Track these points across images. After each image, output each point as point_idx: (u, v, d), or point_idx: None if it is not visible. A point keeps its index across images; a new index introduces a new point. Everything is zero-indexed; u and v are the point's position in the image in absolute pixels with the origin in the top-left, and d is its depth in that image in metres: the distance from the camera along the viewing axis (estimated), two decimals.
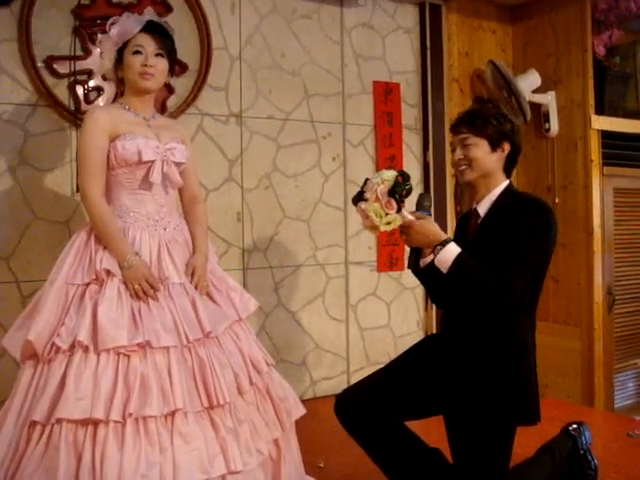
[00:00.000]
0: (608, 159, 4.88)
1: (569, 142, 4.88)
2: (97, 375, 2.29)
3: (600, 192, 4.81)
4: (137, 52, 2.62)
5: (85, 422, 2.24)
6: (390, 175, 2.42)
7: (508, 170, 2.64)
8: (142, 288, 2.47)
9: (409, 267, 2.67)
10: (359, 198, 2.47)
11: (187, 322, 2.49)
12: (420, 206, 2.58)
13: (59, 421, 2.23)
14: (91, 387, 2.27)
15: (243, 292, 2.87)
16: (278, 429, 2.66)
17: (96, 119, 2.60)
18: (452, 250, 2.43)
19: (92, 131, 2.58)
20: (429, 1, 4.86)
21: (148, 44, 2.63)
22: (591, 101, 4.78)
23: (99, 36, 2.74)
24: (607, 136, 4.86)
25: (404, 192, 2.41)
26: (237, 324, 2.74)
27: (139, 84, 2.65)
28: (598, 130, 4.80)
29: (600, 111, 4.85)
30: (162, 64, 2.67)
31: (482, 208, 2.61)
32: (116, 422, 2.24)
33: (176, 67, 2.88)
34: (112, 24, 2.64)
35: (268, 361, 2.76)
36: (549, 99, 4.91)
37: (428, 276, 2.67)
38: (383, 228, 2.42)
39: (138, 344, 2.35)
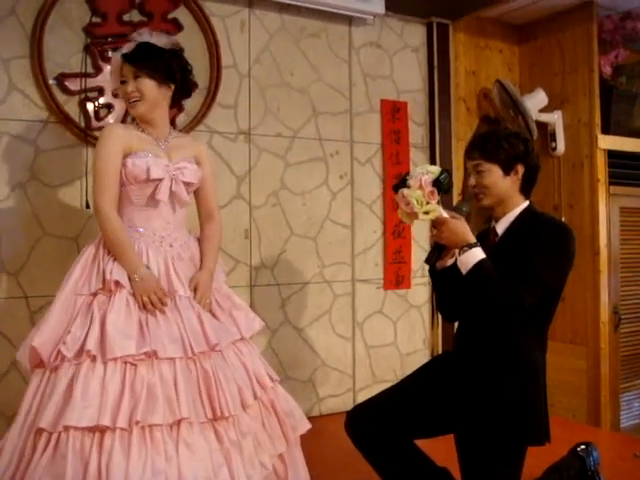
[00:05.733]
0: (614, 178, 4.89)
1: (575, 161, 4.89)
2: (104, 383, 2.32)
3: (606, 211, 4.81)
4: (123, 82, 2.70)
5: (92, 430, 2.26)
6: (435, 168, 2.50)
7: (526, 191, 2.64)
8: (151, 300, 2.51)
9: (426, 262, 2.69)
10: (401, 185, 2.52)
11: (193, 334, 2.51)
12: (458, 209, 2.61)
13: (66, 429, 2.25)
14: (98, 395, 2.30)
15: (249, 311, 2.89)
16: (283, 444, 2.68)
17: (113, 135, 2.65)
18: (477, 254, 2.45)
19: (108, 147, 2.62)
20: (436, 20, 4.90)
21: (127, 72, 2.69)
22: (597, 120, 4.79)
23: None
24: (613, 155, 4.87)
25: (446, 186, 2.47)
26: (241, 342, 2.75)
27: (131, 112, 2.76)
28: (604, 149, 4.80)
29: (606, 130, 4.86)
30: (144, 85, 2.68)
31: (500, 227, 2.63)
32: (122, 430, 2.26)
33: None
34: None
35: (272, 377, 2.78)
36: (555, 118, 4.92)
37: (442, 279, 2.71)
38: (421, 217, 2.48)
39: (145, 353, 2.39)
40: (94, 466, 2.21)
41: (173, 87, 2.79)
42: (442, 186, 2.46)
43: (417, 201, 2.45)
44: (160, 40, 2.76)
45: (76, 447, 2.24)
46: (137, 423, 2.27)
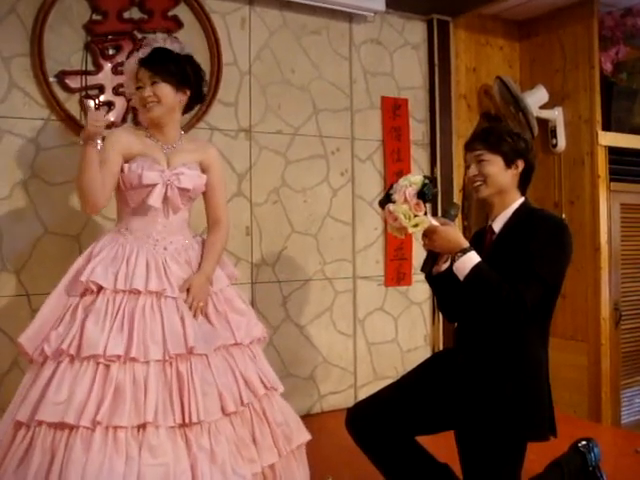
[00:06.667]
0: (615, 175, 4.89)
1: (576, 158, 4.89)
2: (75, 382, 2.36)
3: (607, 208, 4.82)
4: (139, 88, 2.73)
5: (61, 426, 2.30)
6: (418, 179, 2.48)
7: (522, 188, 2.65)
8: (95, 128, 2.53)
9: (422, 270, 2.71)
10: (386, 200, 2.51)
11: (171, 336, 2.50)
12: (446, 214, 2.61)
13: (40, 423, 2.31)
14: (69, 393, 2.34)
15: (251, 317, 2.87)
16: (274, 455, 2.64)
17: (112, 137, 2.73)
18: (472, 258, 2.45)
19: (107, 147, 2.69)
20: (437, 17, 4.89)
21: (144, 76, 2.72)
22: (598, 117, 4.80)
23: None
24: (614, 152, 4.87)
25: (431, 195, 2.46)
26: (235, 347, 2.73)
27: (145, 116, 2.77)
28: (605, 146, 4.81)
29: (607, 127, 4.87)
30: (161, 90, 2.72)
31: (497, 225, 2.63)
32: (86, 428, 2.28)
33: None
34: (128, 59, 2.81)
35: (268, 384, 2.74)
36: (556, 115, 4.93)
37: (439, 283, 2.72)
38: (411, 230, 2.47)
39: (116, 355, 2.40)
40: (58, 462, 2.25)
41: (189, 93, 2.83)
42: (426, 196, 2.45)
43: (404, 215, 2.44)
44: (175, 46, 2.80)
45: (46, 441, 2.30)
46: (99, 423, 2.29)
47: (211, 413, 2.47)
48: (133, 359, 2.42)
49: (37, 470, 2.25)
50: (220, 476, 2.41)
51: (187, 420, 2.40)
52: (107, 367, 2.39)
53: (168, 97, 2.74)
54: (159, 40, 2.79)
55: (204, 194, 2.89)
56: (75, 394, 2.33)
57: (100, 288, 2.53)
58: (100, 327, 2.44)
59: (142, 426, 2.34)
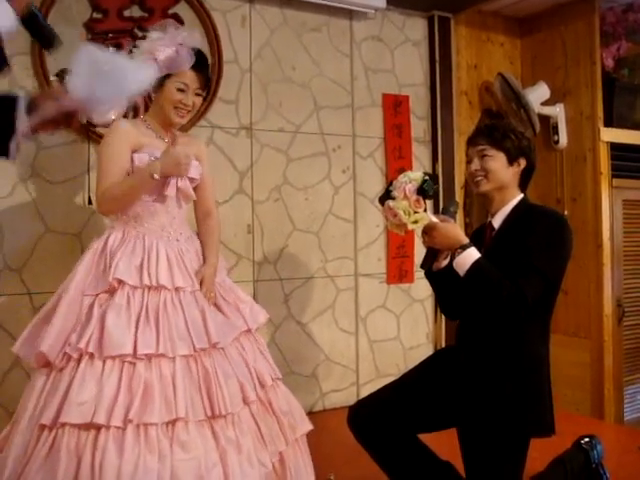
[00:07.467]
0: (617, 171, 4.87)
1: (578, 154, 4.88)
2: (101, 381, 2.34)
3: (609, 204, 4.80)
4: (180, 90, 2.67)
5: (87, 427, 2.28)
6: (418, 175, 2.48)
7: (522, 186, 2.66)
8: (184, 166, 2.59)
9: (422, 267, 2.71)
10: (386, 197, 2.51)
11: (195, 331, 2.51)
12: (446, 210, 2.61)
13: (63, 425, 2.29)
14: (94, 393, 2.32)
15: (253, 304, 2.90)
16: (282, 442, 2.67)
17: (120, 129, 2.68)
18: (472, 254, 2.45)
19: (115, 140, 2.66)
20: (438, 14, 4.88)
21: (192, 82, 2.68)
22: (600, 113, 4.78)
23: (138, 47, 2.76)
24: (616, 148, 4.86)
25: (431, 192, 2.46)
26: (244, 336, 2.76)
27: (171, 118, 2.73)
28: (607, 142, 4.79)
29: (609, 123, 4.85)
30: (198, 102, 2.75)
31: (496, 221, 2.63)
32: (117, 428, 2.27)
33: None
34: (160, 46, 2.63)
35: (273, 375, 2.77)
36: (558, 111, 4.91)
37: (439, 280, 2.72)
38: (411, 226, 2.47)
39: (145, 353, 2.39)
40: (87, 462, 2.23)
41: None
42: (426, 193, 2.45)
43: (404, 212, 2.44)
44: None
45: (70, 443, 2.27)
46: (131, 421, 2.28)
47: (235, 404, 2.50)
48: (160, 355, 2.41)
49: (64, 474, 2.23)
50: (248, 465, 2.44)
51: (216, 413, 2.42)
52: (133, 364, 2.39)
53: (198, 107, 2.82)
54: (196, 39, 2.76)
55: (195, 187, 2.87)
56: (103, 393, 2.31)
57: (118, 285, 2.51)
58: (124, 324, 2.42)
59: (172, 422, 2.34)
